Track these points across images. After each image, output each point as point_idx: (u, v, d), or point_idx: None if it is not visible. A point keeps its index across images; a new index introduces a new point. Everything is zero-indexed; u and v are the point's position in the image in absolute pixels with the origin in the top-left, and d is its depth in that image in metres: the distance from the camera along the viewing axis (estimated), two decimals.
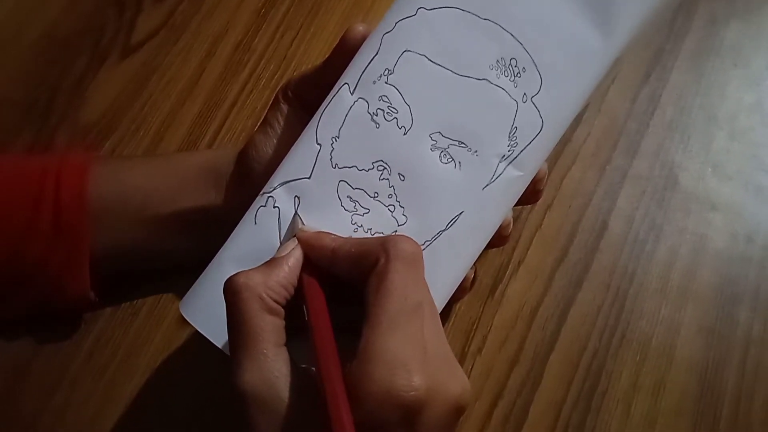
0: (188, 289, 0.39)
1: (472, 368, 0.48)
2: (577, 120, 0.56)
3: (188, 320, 0.37)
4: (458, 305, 0.49)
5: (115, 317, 0.47)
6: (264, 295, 0.32)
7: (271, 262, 0.34)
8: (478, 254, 0.38)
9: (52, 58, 0.56)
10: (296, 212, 0.37)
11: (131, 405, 0.45)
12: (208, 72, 0.56)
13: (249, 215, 0.37)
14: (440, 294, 0.38)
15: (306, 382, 0.31)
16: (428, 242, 0.37)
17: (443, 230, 0.37)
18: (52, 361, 0.46)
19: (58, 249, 0.42)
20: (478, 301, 0.50)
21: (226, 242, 0.37)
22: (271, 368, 0.31)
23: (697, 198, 0.54)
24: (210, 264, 0.38)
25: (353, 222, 0.37)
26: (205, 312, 0.37)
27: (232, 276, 0.33)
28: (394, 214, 0.37)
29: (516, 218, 0.52)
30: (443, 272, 0.37)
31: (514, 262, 0.51)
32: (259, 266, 0.34)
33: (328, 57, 0.40)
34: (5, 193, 0.43)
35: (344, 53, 0.39)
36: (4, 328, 0.46)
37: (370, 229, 0.37)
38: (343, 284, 0.34)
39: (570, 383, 0.48)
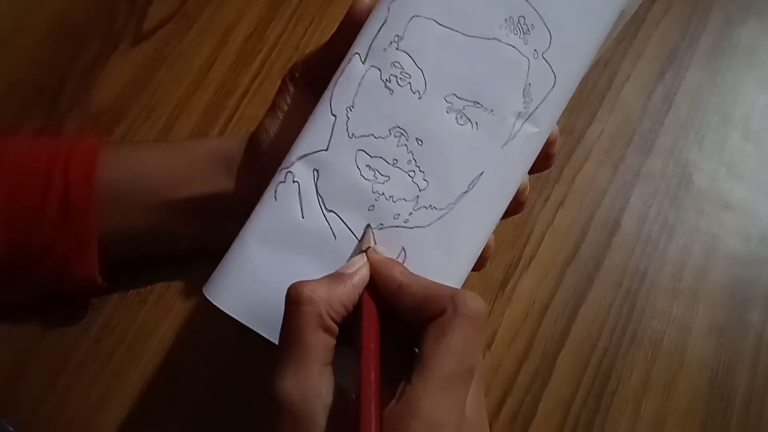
0: (198, 277, 0.38)
1: None
2: (591, 117, 0.55)
3: (215, 303, 0.36)
4: None
5: (123, 304, 0.47)
6: (324, 313, 0.32)
7: (337, 277, 0.34)
8: (501, 215, 0.38)
9: (62, 44, 0.56)
10: (368, 225, 0.36)
11: (136, 392, 0.45)
12: (219, 61, 0.56)
13: (269, 192, 0.37)
14: (466, 258, 0.37)
15: (341, 405, 0.31)
16: (452, 204, 0.37)
17: (465, 192, 0.37)
18: (58, 345, 0.46)
19: (64, 233, 0.42)
20: (489, 296, 0.49)
21: (248, 220, 0.37)
22: (313, 387, 0.31)
23: (711, 198, 0.53)
24: (233, 245, 0.37)
25: (374, 191, 0.37)
26: (231, 294, 0.36)
27: (297, 284, 0.32)
28: (414, 180, 0.37)
29: (528, 214, 0.52)
30: (469, 234, 0.37)
31: (525, 258, 0.51)
32: (324, 278, 0.34)
33: (335, 32, 0.39)
34: (13, 177, 0.43)
35: (351, 27, 0.38)
36: (12, 311, 0.46)
37: (392, 197, 0.36)
38: (399, 316, 0.34)
39: (579, 381, 0.47)
